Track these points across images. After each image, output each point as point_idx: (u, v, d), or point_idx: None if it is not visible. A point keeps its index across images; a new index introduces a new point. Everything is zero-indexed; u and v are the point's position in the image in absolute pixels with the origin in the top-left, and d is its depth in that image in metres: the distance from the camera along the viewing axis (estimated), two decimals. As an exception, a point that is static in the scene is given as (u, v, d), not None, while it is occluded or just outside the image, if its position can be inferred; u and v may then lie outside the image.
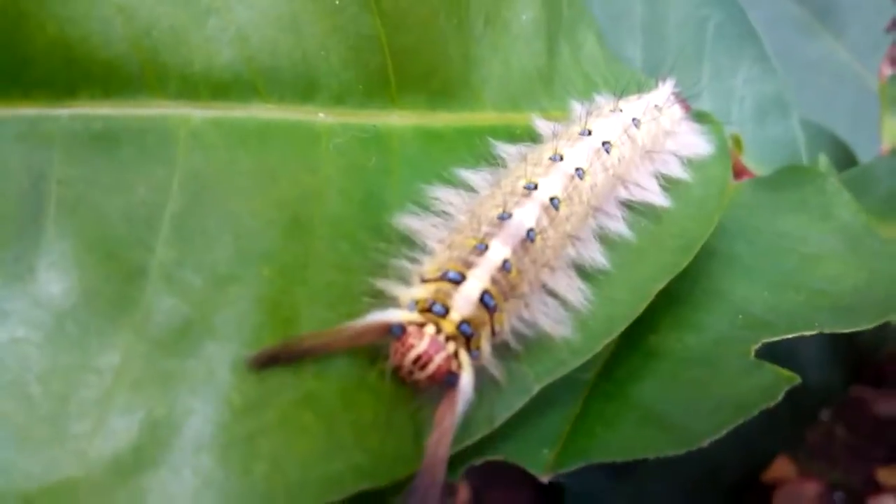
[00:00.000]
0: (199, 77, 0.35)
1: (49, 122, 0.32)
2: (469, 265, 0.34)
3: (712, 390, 0.39)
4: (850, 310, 0.43)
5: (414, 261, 0.35)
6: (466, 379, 0.32)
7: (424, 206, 0.38)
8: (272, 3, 0.37)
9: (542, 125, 0.44)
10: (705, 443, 0.34)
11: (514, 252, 0.35)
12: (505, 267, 0.34)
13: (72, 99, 0.33)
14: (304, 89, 0.38)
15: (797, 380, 0.37)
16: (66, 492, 0.28)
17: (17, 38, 0.32)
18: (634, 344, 0.42)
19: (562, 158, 0.40)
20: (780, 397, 0.36)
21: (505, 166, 0.41)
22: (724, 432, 0.35)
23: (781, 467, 0.92)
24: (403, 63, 0.41)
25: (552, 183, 0.38)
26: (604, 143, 0.42)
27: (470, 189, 0.39)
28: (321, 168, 0.37)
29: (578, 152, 0.40)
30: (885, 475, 0.92)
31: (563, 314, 0.36)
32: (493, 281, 0.33)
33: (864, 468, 0.93)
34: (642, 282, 0.40)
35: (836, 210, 0.52)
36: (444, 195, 0.38)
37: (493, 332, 0.34)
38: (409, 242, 0.36)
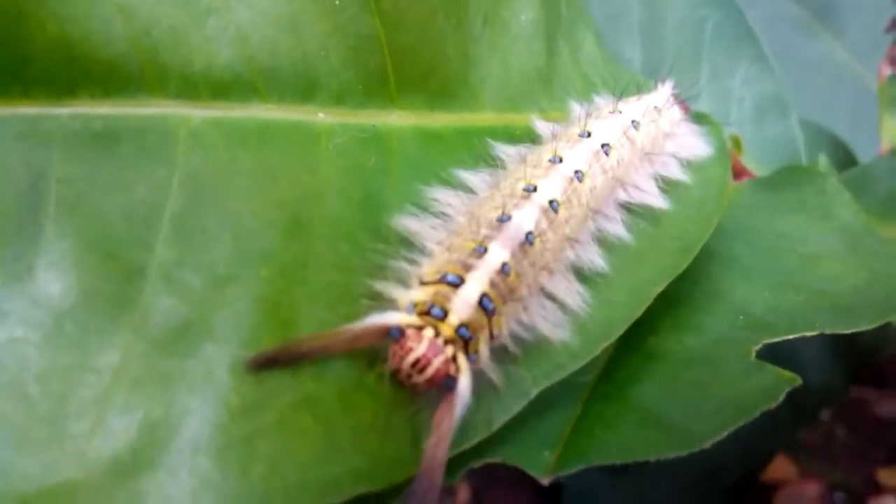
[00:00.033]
0: (199, 77, 0.35)
1: (49, 121, 0.32)
2: (468, 268, 0.34)
3: (713, 391, 0.39)
4: (851, 310, 0.43)
5: (413, 262, 0.35)
6: (465, 382, 0.32)
7: (423, 208, 0.38)
8: (272, 3, 0.37)
9: (542, 126, 0.44)
10: (706, 444, 0.34)
11: (513, 255, 0.35)
12: (504, 270, 0.34)
13: (72, 98, 0.33)
14: (304, 89, 0.38)
15: (798, 381, 0.37)
16: (65, 493, 0.28)
17: (18, 36, 0.32)
18: (634, 346, 0.42)
19: (561, 160, 0.40)
20: (781, 398, 0.36)
21: (504, 167, 0.41)
22: (724, 434, 0.35)
23: (782, 468, 0.92)
24: (403, 63, 0.41)
25: (551, 185, 0.38)
26: (603, 146, 0.42)
27: (469, 190, 0.39)
28: (321, 168, 0.37)
29: (577, 154, 0.40)
30: (886, 476, 0.92)
31: (562, 317, 0.36)
32: (492, 284, 0.33)
33: (864, 469, 0.93)
34: (641, 284, 0.40)
35: (836, 210, 0.52)
36: (443, 196, 0.38)
37: (492, 336, 0.34)
38: (408, 244, 0.36)
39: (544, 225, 0.36)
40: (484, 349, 0.33)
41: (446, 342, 0.32)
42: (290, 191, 0.36)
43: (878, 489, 0.92)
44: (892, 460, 0.94)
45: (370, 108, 0.40)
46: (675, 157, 0.46)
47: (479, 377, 0.33)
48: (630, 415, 0.39)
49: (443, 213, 0.38)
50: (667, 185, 0.45)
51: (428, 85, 0.42)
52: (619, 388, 0.40)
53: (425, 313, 0.33)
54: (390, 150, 0.40)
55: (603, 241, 0.41)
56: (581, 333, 0.37)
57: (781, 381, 0.36)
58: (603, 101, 0.47)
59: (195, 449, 0.30)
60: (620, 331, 0.38)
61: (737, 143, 0.61)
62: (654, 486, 0.75)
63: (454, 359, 0.32)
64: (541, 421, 0.38)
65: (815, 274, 0.46)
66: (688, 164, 0.47)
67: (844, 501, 0.92)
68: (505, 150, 0.42)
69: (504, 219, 0.36)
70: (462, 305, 0.33)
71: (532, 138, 0.44)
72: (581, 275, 0.39)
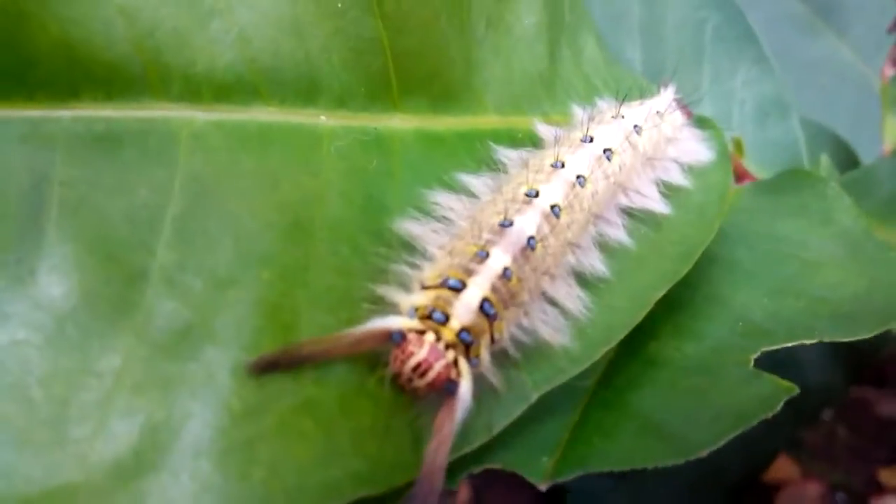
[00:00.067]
0: (202, 79, 0.35)
1: (51, 124, 0.32)
2: (469, 272, 0.34)
3: (711, 400, 0.39)
4: (850, 318, 0.43)
5: (414, 266, 0.35)
6: (465, 387, 0.32)
7: (425, 211, 0.38)
8: (274, 5, 0.37)
9: (544, 130, 0.44)
10: (703, 453, 0.34)
11: (515, 260, 0.35)
12: (505, 275, 0.34)
13: (74, 100, 0.33)
14: (306, 92, 0.38)
15: (795, 390, 0.37)
16: (67, 496, 0.28)
17: (20, 39, 0.32)
18: (633, 351, 0.42)
19: (563, 165, 0.40)
20: (778, 407, 0.36)
21: (506, 172, 0.41)
22: (722, 442, 0.35)
23: (784, 468, 0.92)
24: (405, 66, 0.41)
25: (553, 190, 0.38)
26: (605, 151, 0.42)
27: (471, 194, 0.39)
28: (322, 171, 0.37)
29: (580, 159, 0.40)
30: (887, 476, 0.92)
31: (563, 322, 0.37)
32: (494, 289, 0.33)
33: (865, 469, 0.93)
34: (642, 290, 0.40)
35: (837, 215, 0.52)
36: (444, 200, 0.38)
37: (493, 340, 0.34)
38: (410, 247, 0.36)
39: (546, 230, 0.37)
40: (485, 353, 0.33)
41: (447, 346, 0.32)
42: (292, 193, 0.36)
43: (880, 489, 0.92)
44: (894, 460, 0.94)
45: (372, 111, 0.40)
46: (677, 162, 0.47)
47: (479, 381, 0.33)
48: (628, 422, 0.39)
49: (444, 217, 0.38)
50: (668, 190, 0.45)
51: (430, 88, 0.42)
52: (618, 395, 0.40)
53: (427, 317, 0.33)
54: (392, 153, 0.40)
55: (604, 246, 0.41)
56: (581, 338, 0.37)
57: (779, 390, 0.36)
58: (605, 105, 0.47)
59: (196, 452, 0.30)
60: (621, 336, 0.38)
61: (738, 145, 0.61)
62: (657, 489, 0.75)
63: (455, 363, 0.32)
64: (540, 426, 0.39)
65: (815, 281, 0.46)
66: (689, 169, 0.47)
67: (846, 502, 0.92)
68: (507, 154, 0.42)
69: (506, 223, 0.36)
70: (463, 310, 0.33)
71: (534, 142, 0.44)
72: (582, 279, 0.39)
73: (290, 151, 0.37)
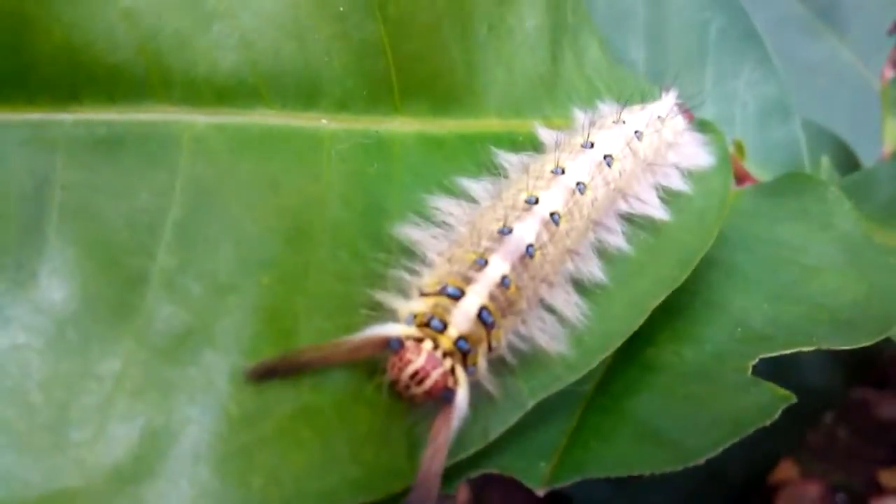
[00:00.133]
0: (203, 82, 0.35)
1: (53, 127, 0.32)
2: (468, 280, 0.34)
3: (709, 406, 0.39)
4: (850, 324, 0.43)
5: (413, 272, 0.35)
6: (462, 395, 0.32)
7: (425, 216, 0.38)
8: (276, 8, 0.37)
9: (545, 134, 0.44)
10: (701, 460, 0.35)
11: (514, 268, 0.35)
12: (504, 283, 0.34)
13: (76, 104, 0.33)
14: (308, 95, 0.38)
15: (793, 399, 0.37)
16: (66, 500, 0.29)
17: (22, 42, 0.32)
18: (632, 357, 0.42)
19: (563, 172, 0.40)
20: (776, 415, 0.36)
21: (506, 176, 0.41)
22: (720, 449, 0.35)
23: (784, 469, 0.92)
24: (407, 69, 0.41)
25: (553, 197, 0.38)
26: (606, 157, 0.42)
27: (471, 199, 0.39)
28: (323, 174, 0.37)
29: (580, 165, 0.40)
30: (887, 477, 0.92)
31: (560, 330, 0.37)
32: (492, 297, 0.34)
33: (865, 470, 0.93)
34: (640, 297, 0.40)
35: (837, 220, 0.52)
36: (444, 205, 0.38)
37: (490, 348, 0.34)
38: (409, 253, 0.36)
39: (545, 238, 0.37)
40: (482, 361, 0.34)
41: (445, 354, 0.32)
42: (292, 197, 0.36)
43: (880, 490, 0.92)
44: (894, 461, 0.94)
45: (373, 114, 0.40)
46: (677, 167, 0.46)
47: (476, 388, 0.33)
48: (626, 427, 0.39)
49: (444, 223, 0.38)
50: (668, 196, 0.45)
51: (432, 91, 0.42)
52: (615, 401, 0.40)
53: (425, 325, 0.33)
54: (393, 156, 0.40)
55: (603, 253, 0.41)
56: (579, 346, 0.37)
57: (777, 399, 0.37)
58: (607, 109, 0.47)
59: (195, 458, 0.30)
60: (618, 343, 0.38)
61: (739, 147, 0.61)
62: (658, 495, 0.76)
63: (452, 371, 0.32)
64: (538, 431, 0.39)
65: (814, 286, 0.46)
66: (689, 174, 0.47)
67: (846, 502, 0.92)
68: (507, 159, 0.42)
69: (505, 231, 0.36)
70: (461, 318, 0.33)
71: (535, 146, 0.44)
72: (580, 287, 0.39)
73: (291, 155, 0.37)
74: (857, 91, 0.87)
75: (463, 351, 0.32)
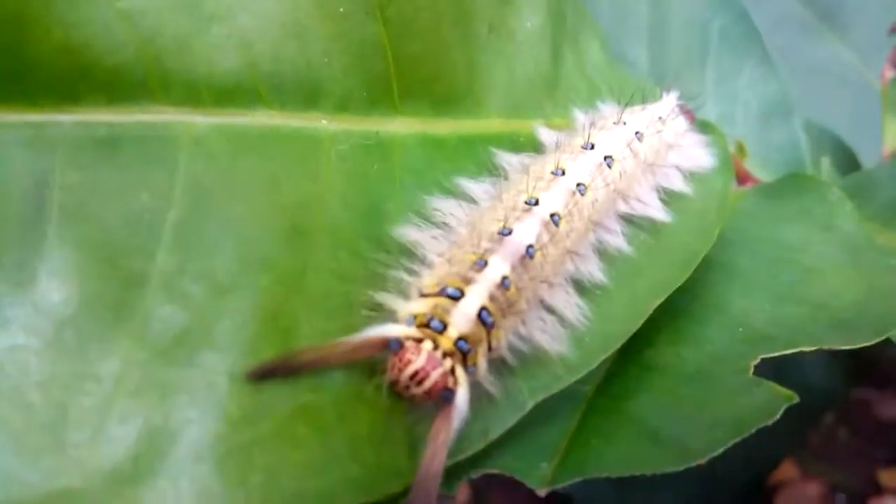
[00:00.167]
0: (203, 83, 0.35)
1: (53, 128, 0.32)
2: (468, 281, 0.34)
3: (711, 406, 0.39)
4: (850, 325, 0.43)
5: (413, 273, 0.35)
6: (462, 395, 0.32)
7: (425, 217, 0.38)
8: (276, 9, 0.37)
9: (545, 134, 0.44)
10: (702, 460, 0.35)
11: (514, 269, 0.35)
12: (504, 284, 0.34)
13: (75, 105, 0.33)
14: (308, 96, 0.38)
15: (795, 398, 0.37)
16: (65, 501, 0.29)
17: (22, 43, 0.32)
18: (632, 358, 0.42)
19: (563, 173, 0.40)
20: (778, 415, 0.36)
21: (507, 177, 0.41)
22: (721, 450, 0.35)
23: (784, 468, 0.92)
24: (407, 70, 0.41)
25: (553, 198, 0.38)
26: (606, 158, 0.42)
27: (471, 200, 0.39)
28: (323, 175, 0.37)
29: (580, 167, 0.40)
30: (887, 477, 0.92)
31: (560, 330, 0.37)
32: (492, 298, 0.34)
33: (865, 470, 0.93)
34: (640, 297, 0.40)
35: (838, 221, 0.52)
36: (445, 206, 0.38)
37: (490, 348, 0.34)
38: (409, 254, 0.36)
39: (545, 238, 0.37)
40: (482, 362, 0.34)
41: (445, 355, 0.32)
42: (292, 198, 0.36)
43: (879, 490, 0.92)
44: (894, 461, 0.94)
45: (374, 115, 0.40)
46: (678, 169, 0.46)
47: (476, 389, 0.33)
48: (627, 428, 0.39)
49: (444, 224, 0.38)
50: (668, 197, 0.45)
51: (432, 92, 0.42)
52: (616, 401, 0.40)
53: (424, 325, 0.33)
54: (393, 157, 0.40)
55: (603, 254, 0.41)
56: (579, 346, 0.37)
57: (779, 398, 0.37)
58: (607, 109, 0.47)
59: (195, 457, 0.30)
60: (618, 344, 0.38)
61: (741, 148, 0.61)
62: (660, 497, 0.76)
63: (452, 371, 0.32)
64: (539, 432, 0.39)
65: (815, 287, 0.46)
66: (690, 176, 0.47)
67: (846, 502, 0.92)
68: (508, 160, 0.42)
69: (505, 232, 0.36)
70: (461, 319, 0.33)
71: (536, 147, 0.44)
72: (581, 287, 0.39)
73: (291, 156, 0.37)
74: (857, 91, 0.87)
75: (463, 351, 0.32)
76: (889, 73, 0.90)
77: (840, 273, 0.47)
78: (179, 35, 0.35)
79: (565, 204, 0.38)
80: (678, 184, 0.46)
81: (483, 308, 0.33)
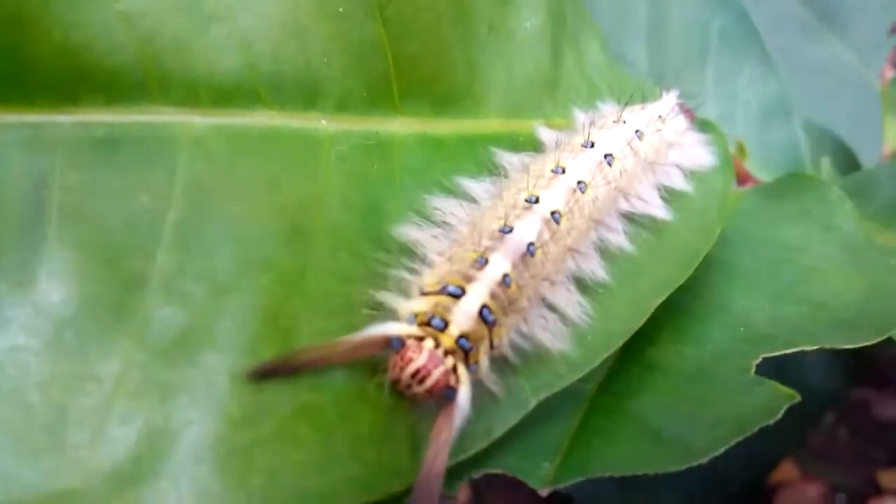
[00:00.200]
0: (202, 84, 0.35)
1: (52, 129, 0.32)
2: (469, 279, 0.34)
3: (712, 405, 0.39)
4: (851, 324, 0.43)
5: (414, 272, 0.35)
6: (464, 393, 0.32)
7: (425, 216, 0.38)
8: (276, 9, 0.37)
9: (546, 134, 0.44)
10: (703, 459, 0.34)
11: (514, 266, 0.35)
12: (505, 281, 0.34)
13: (75, 105, 0.33)
14: (307, 96, 0.38)
15: (797, 397, 0.37)
16: (64, 501, 0.29)
17: (22, 44, 0.32)
18: (634, 356, 0.42)
19: (564, 171, 0.40)
20: (780, 414, 0.36)
21: (507, 176, 0.41)
22: (723, 449, 0.35)
23: (784, 469, 0.92)
24: (407, 70, 0.41)
25: (554, 196, 0.38)
26: (606, 156, 0.42)
27: (471, 199, 0.39)
28: (323, 175, 0.37)
29: (581, 165, 0.40)
30: (887, 478, 0.92)
31: (562, 328, 0.37)
32: (493, 295, 0.33)
33: (865, 470, 0.93)
34: (642, 296, 0.40)
35: (838, 220, 0.52)
36: (445, 205, 0.38)
37: (492, 346, 0.34)
38: (410, 253, 0.36)
39: (546, 236, 0.37)
40: (484, 360, 0.33)
41: (446, 353, 0.32)
42: (292, 198, 0.36)
43: (879, 491, 0.92)
44: (893, 462, 0.94)
45: (373, 115, 0.40)
46: (679, 167, 0.46)
47: (478, 387, 0.33)
48: (629, 427, 0.39)
49: (445, 223, 0.38)
50: (669, 195, 0.45)
51: (432, 92, 0.42)
52: (618, 400, 0.40)
53: (426, 324, 0.33)
54: (393, 157, 0.40)
55: (605, 252, 0.41)
56: (581, 344, 0.37)
57: (780, 397, 0.36)
58: (607, 109, 0.47)
59: (195, 458, 0.30)
60: (620, 342, 0.38)
61: (741, 148, 0.61)
62: (661, 496, 0.75)
63: (454, 370, 0.32)
64: (541, 431, 0.38)
65: (816, 286, 0.46)
66: (691, 174, 0.47)
67: (846, 502, 0.92)
68: (508, 159, 0.42)
69: (506, 230, 0.36)
70: (462, 317, 0.33)
71: (536, 146, 0.44)
72: (582, 285, 0.39)
73: (291, 156, 0.37)
74: (857, 92, 0.87)
75: (464, 349, 0.32)
76: (889, 73, 0.90)
77: (840, 273, 0.47)
78: (179, 35, 0.35)
79: (566, 202, 0.38)
80: (679, 182, 0.46)
81: (484, 306, 0.33)
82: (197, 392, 0.31)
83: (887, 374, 0.99)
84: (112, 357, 0.31)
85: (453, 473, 0.34)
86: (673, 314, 0.43)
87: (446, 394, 0.32)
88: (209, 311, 0.32)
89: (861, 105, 0.84)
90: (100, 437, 0.30)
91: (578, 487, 0.37)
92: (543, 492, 0.36)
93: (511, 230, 0.36)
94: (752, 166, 0.63)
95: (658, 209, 0.44)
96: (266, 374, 0.32)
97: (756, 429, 0.35)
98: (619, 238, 0.41)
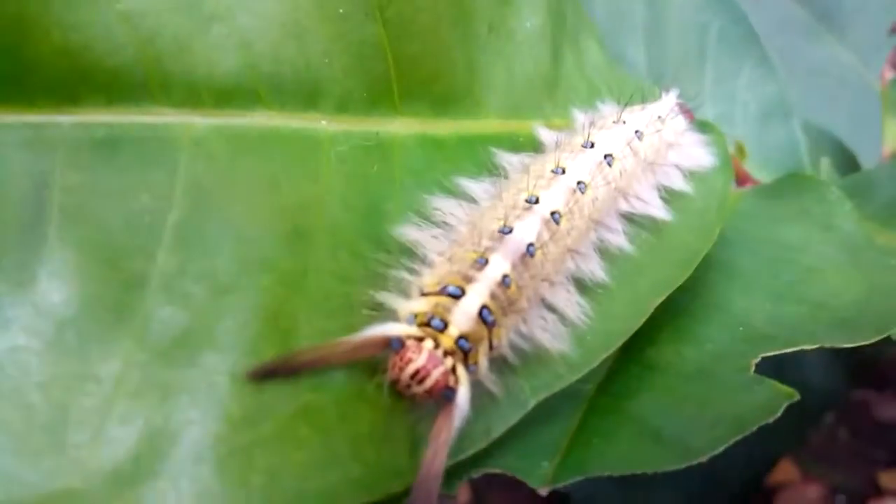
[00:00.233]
0: (202, 84, 0.35)
1: (52, 129, 0.32)
2: (469, 280, 0.34)
3: (712, 405, 0.39)
4: (850, 324, 0.43)
5: (414, 272, 0.35)
6: (463, 394, 0.32)
7: (425, 217, 0.38)
8: (275, 10, 0.37)
9: (545, 134, 0.44)
10: (703, 458, 0.35)
11: (514, 267, 0.35)
12: (504, 282, 0.34)
13: (75, 106, 0.33)
14: (307, 96, 0.38)
15: (796, 396, 0.37)
16: (65, 502, 0.29)
17: (22, 44, 0.32)
18: (633, 356, 0.42)
19: (564, 171, 0.40)
20: (779, 412, 0.36)
21: (507, 177, 0.41)
22: (722, 448, 0.35)
23: (784, 470, 0.92)
24: (407, 70, 0.41)
25: (554, 197, 0.38)
26: (606, 156, 0.42)
27: (471, 200, 0.39)
28: (323, 176, 0.37)
29: (580, 165, 0.40)
30: (887, 479, 0.92)
31: (561, 329, 0.37)
32: (493, 296, 0.34)
33: (865, 471, 0.93)
34: (641, 296, 0.40)
35: (838, 220, 0.52)
36: (445, 206, 0.38)
37: (491, 347, 0.34)
38: (410, 253, 0.36)
39: (546, 237, 0.37)
40: (483, 360, 0.34)
41: (446, 353, 0.32)
42: (292, 199, 0.36)
43: (879, 492, 0.92)
44: (893, 463, 0.94)
45: (373, 116, 0.40)
46: (678, 168, 0.46)
47: (477, 387, 0.33)
48: (628, 427, 0.39)
49: (444, 223, 0.38)
50: (669, 196, 0.45)
51: (432, 92, 0.42)
52: (617, 400, 0.40)
53: (425, 324, 0.33)
54: (393, 157, 0.40)
55: (604, 252, 0.41)
56: (580, 345, 0.37)
57: (780, 396, 0.36)
58: (607, 109, 0.47)
59: (196, 458, 0.30)
60: (620, 342, 0.38)
61: (740, 149, 0.61)
62: (660, 495, 0.75)
63: (453, 370, 0.32)
64: (540, 429, 0.39)
65: (815, 286, 0.46)
66: (690, 175, 0.47)
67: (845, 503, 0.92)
68: (508, 159, 0.42)
69: (506, 230, 0.36)
70: (462, 317, 0.33)
71: (535, 146, 0.44)
72: (582, 286, 0.39)
73: (291, 156, 0.37)
74: (857, 92, 0.87)
75: (464, 350, 0.32)
76: (889, 74, 0.90)
77: (840, 272, 0.47)
78: (179, 36, 0.35)
79: (566, 202, 0.38)
80: (678, 182, 0.46)
81: (484, 306, 0.33)
82: (197, 392, 0.31)
83: (887, 374, 0.99)
84: (112, 357, 0.31)
85: (453, 473, 0.34)
86: (672, 314, 0.43)
87: (446, 394, 0.32)
88: (210, 311, 0.32)
89: (861, 106, 0.84)
90: (100, 437, 0.30)
91: (577, 487, 0.37)
92: (543, 491, 0.36)
93: (511, 231, 0.36)
94: (751, 167, 0.63)
95: (658, 209, 0.44)
96: (266, 375, 0.32)
97: (755, 428, 0.35)
98: (618, 238, 0.41)
